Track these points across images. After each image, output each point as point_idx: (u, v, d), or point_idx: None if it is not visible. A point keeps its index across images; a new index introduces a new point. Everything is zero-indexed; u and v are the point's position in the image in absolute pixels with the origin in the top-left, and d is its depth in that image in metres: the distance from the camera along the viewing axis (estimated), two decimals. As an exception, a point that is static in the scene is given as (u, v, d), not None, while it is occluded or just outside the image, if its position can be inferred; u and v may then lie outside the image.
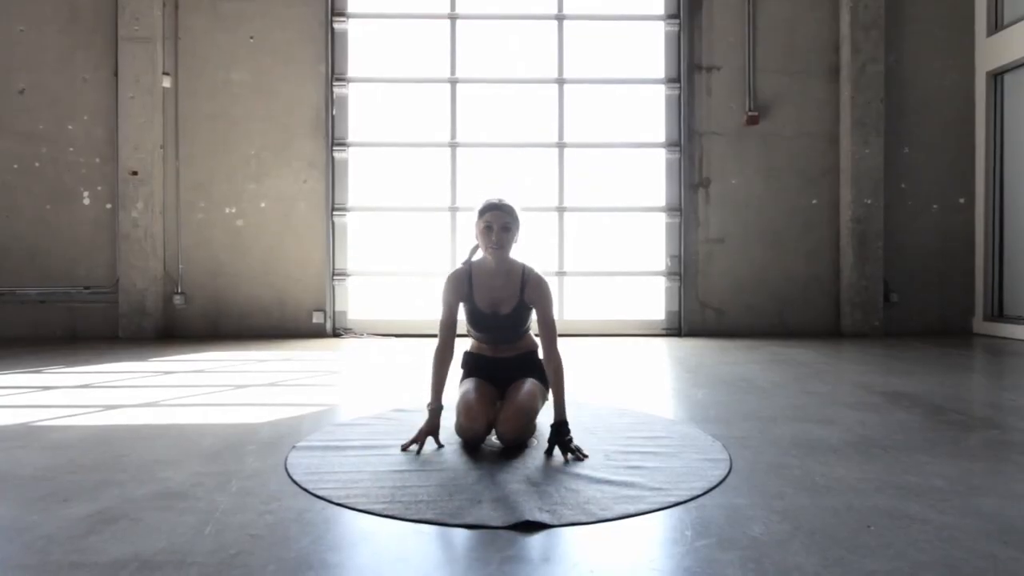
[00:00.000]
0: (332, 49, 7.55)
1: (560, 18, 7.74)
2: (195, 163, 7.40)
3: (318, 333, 7.40)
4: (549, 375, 2.85)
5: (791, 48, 7.55)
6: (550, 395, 3.09)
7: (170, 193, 7.38)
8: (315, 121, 7.44)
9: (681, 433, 3.09)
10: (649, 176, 7.78)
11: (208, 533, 1.97)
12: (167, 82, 7.30)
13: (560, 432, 2.71)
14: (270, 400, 3.96)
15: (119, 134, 7.20)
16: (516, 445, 2.79)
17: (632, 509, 2.15)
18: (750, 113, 7.44)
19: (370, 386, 4.52)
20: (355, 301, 7.71)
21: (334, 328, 7.57)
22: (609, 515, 2.10)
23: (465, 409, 2.82)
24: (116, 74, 7.22)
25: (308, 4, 7.40)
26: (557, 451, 2.71)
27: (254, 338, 7.17)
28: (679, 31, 7.63)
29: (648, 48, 7.80)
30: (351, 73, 7.67)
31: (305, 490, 2.33)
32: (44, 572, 1.74)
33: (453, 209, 7.67)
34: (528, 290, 2.94)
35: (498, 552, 1.85)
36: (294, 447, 2.85)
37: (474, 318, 3.01)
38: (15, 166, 7.29)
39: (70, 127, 7.31)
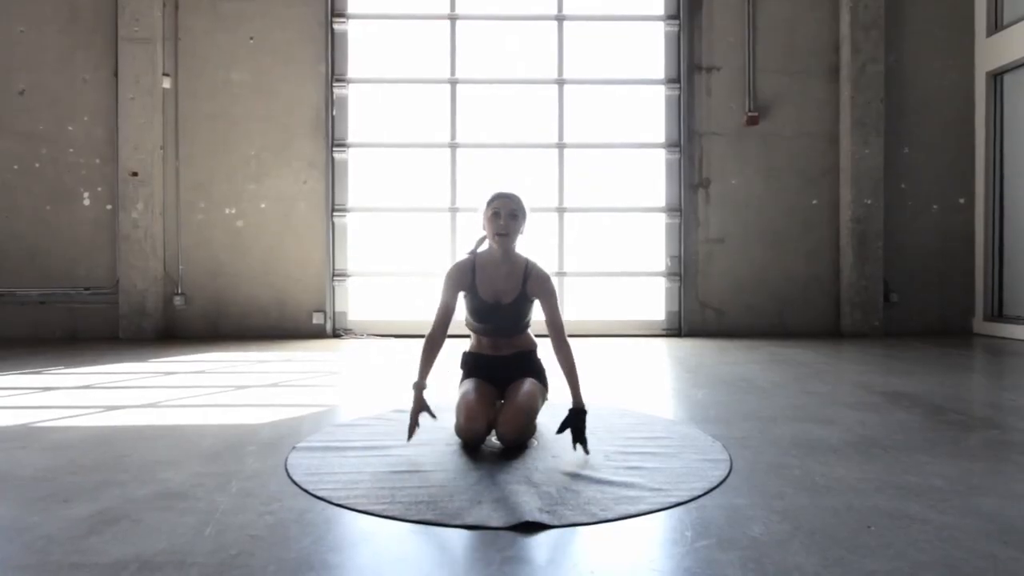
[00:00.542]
0: (332, 50, 7.56)
1: (560, 19, 7.74)
2: (195, 163, 7.40)
3: (318, 334, 7.40)
4: (562, 365, 2.86)
5: (791, 48, 7.55)
6: (549, 395, 3.10)
7: (170, 193, 7.38)
8: (315, 121, 7.44)
9: (681, 433, 3.09)
10: (649, 176, 7.78)
11: (208, 534, 1.97)
12: (167, 83, 7.31)
13: (578, 418, 2.72)
14: (270, 401, 3.96)
15: (119, 135, 7.20)
16: (516, 446, 2.79)
17: (632, 510, 2.15)
18: (750, 113, 7.45)
19: (370, 387, 4.52)
20: (355, 302, 7.71)
21: (334, 329, 7.57)
22: (609, 516, 2.10)
23: (465, 409, 2.83)
24: (116, 75, 7.22)
25: (308, 4, 7.41)
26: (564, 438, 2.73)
27: (254, 339, 7.17)
28: (679, 31, 7.63)
29: (648, 49, 7.80)
30: (351, 74, 7.67)
31: (305, 491, 2.33)
32: (44, 573, 1.74)
33: (453, 210, 7.67)
34: (530, 283, 2.97)
35: (498, 553, 1.85)
36: (294, 448, 2.86)
37: (475, 308, 3.00)
38: (15, 166, 7.30)
39: (70, 128, 7.32)
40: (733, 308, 7.53)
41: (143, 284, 7.15)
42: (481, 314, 3.01)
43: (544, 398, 3.03)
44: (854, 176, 7.35)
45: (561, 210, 7.71)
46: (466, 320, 3.12)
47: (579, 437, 2.70)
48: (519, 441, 2.80)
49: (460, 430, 2.85)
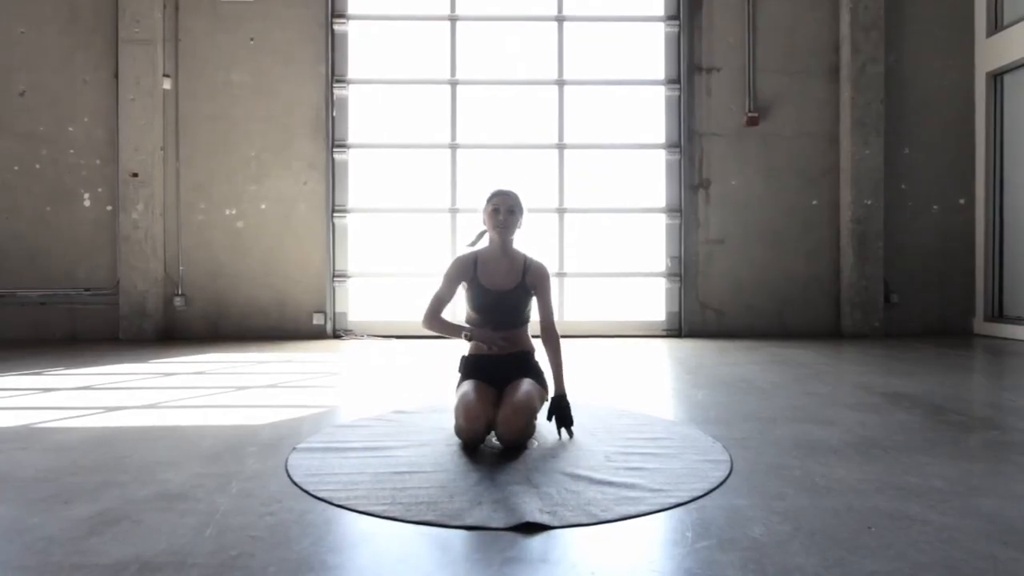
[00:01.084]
0: (332, 50, 7.56)
1: (560, 19, 7.75)
2: (195, 164, 7.40)
3: (318, 334, 7.40)
4: (548, 353, 3.05)
5: (791, 49, 7.55)
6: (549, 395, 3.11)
7: (170, 194, 7.39)
8: (315, 122, 7.45)
9: (681, 434, 3.09)
10: (649, 177, 7.78)
11: (209, 535, 1.97)
12: (167, 84, 7.31)
13: (560, 405, 2.95)
14: (270, 402, 3.96)
15: (119, 135, 7.21)
16: (516, 446, 2.79)
17: (633, 510, 2.15)
18: (750, 114, 7.45)
19: (370, 388, 4.52)
20: (355, 302, 7.71)
21: (334, 329, 7.58)
22: (610, 516, 2.10)
23: (464, 410, 2.83)
24: (116, 76, 7.23)
25: (308, 6, 7.41)
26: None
27: (254, 339, 7.17)
28: (679, 32, 7.63)
29: (648, 49, 7.80)
30: (351, 75, 7.68)
31: (306, 492, 2.33)
32: (45, 573, 1.75)
33: (453, 210, 7.68)
34: (529, 275, 3.12)
35: (499, 553, 1.85)
36: (295, 449, 2.86)
37: (477, 297, 3.10)
38: (15, 167, 7.30)
39: (70, 128, 7.32)
40: (733, 309, 7.53)
41: (143, 285, 7.15)
42: (483, 304, 3.09)
43: (543, 400, 3.05)
44: (854, 176, 7.35)
45: (561, 211, 7.71)
46: (467, 316, 3.19)
47: (563, 423, 2.93)
48: (518, 441, 2.80)
49: (460, 431, 2.85)
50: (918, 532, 1.98)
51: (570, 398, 3.03)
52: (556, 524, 2.03)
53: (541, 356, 3.13)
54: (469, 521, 2.06)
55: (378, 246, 7.76)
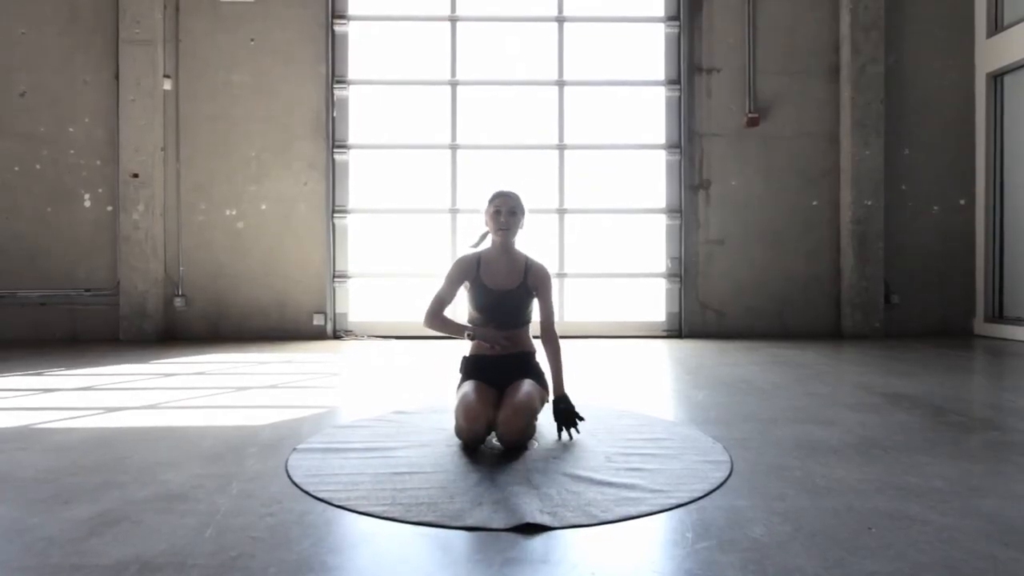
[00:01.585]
0: (332, 51, 7.56)
1: (560, 20, 7.75)
2: (195, 165, 7.41)
3: (319, 335, 7.40)
4: (548, 354, 3.07)
5: (791, 49, 7.56)
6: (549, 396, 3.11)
7: (171, 195, 7.39)
8: (315, 123, 7.45)
9: (682, 435, 3.09)
10: (649, 178, 7.78)
11: (209, 535, 1.97)
12: (168, 84, 7.31)
13: (560, 407, 2.95)
14: (271, 402, 3.96)
15: (120, 136, 7.21)
16: (516, 447, 2.79)
17: (633, 511, 2.15)
18: (750, 114, 7.45)
19: (371, 388, 4.53)
20: (356, 303, 7.71)
21: (335, 330, 7.58)
22: (610, 517, 2.10)
23: (464, 410, 2.83)
24: (117, 76, 7.23)
25: (308, 6, 7.41)
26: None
27: (254, 340, 7.17)
28: (679, 33, 7.64)
29: (648, 50, 7.80)
30: (352, 75, 7.68)
31: (306, 492, 2.33)
32: (45, 574, 1.74)
33: (453, 211, 7.68)
34: (531, 275, 3.14)
35: (499, 554, 1.85)
36: (295, 449, 2.86)
37: (479, 297, 3.11)
38: (16, 168, 7.30)
39: (71, 129, 7.32)
40: (733, 309, 7.53)
41: (144, 285, 7.15)
42: (485, 304, 3.11)
43: (543, 400, 3.05)
44: (854, 177, 7.35)
45: (562, 211, 7.71)
46: (468, 316, 3.20)
47: (567, 423, 2.93)
48: (519, 442, 2.80)
49: (460, 431, 2.85)
50: (918, 532, 1.98)
51: (572, 399, 3.03)
52: (556, 525, 2.03)
53: (542, 357, 3.13)
54: (469, 522, 2.06)
55: (378, 247, 7.76)
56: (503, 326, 3.11)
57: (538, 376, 3.11)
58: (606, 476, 2.47)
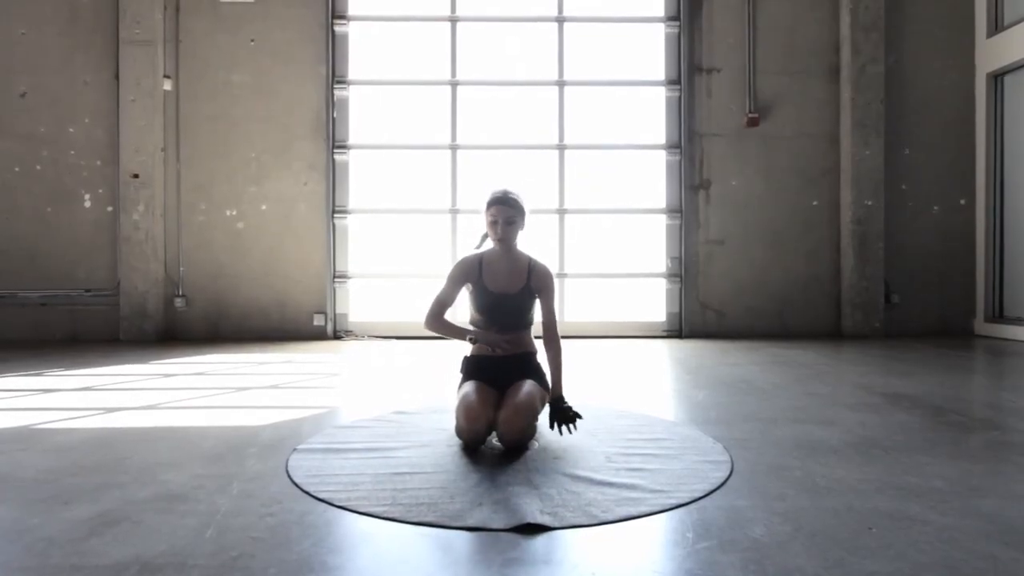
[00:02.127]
0: (333, 51, 7.56)
1: (560, 20, 7.75)
2: (196, 165, 7.41)
3: (319, 335, 7.40)
4: (549, 356, 3.02)
5: (791, 49, 7.56)
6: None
7: (171, 195, 7.39)
8: (316, 123, 7.45)
9: (682, 435, 3.09)
10: (649, 178, 7.78)
11: (209, 536, 1.97)
12: (168, 84, 7.32)
13: (558, 407, 2.90)
14: (271, 402, 3.96)
15: (120, 136, 7.21)
16: (517, 447, 2.79)
17: (633, 511, 2.15)
18: (750, 114, 7.45)
19: (371, 388, 4.52)
20: (356, 303, 7.71)
21: (335, 330, 7.58)
22: (610, 517, 2.10)
23: (465, 410, 2.83)
24: (117, 77, 7.23)
25: (308, 6, 7.41)
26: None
27: (255, 340, 7.17)
28: (679, 33, 7.64)
29: (648, 50, 7.80)
30: (352, 75, 7.68)
31: (306, 492, 2.34)
32: (45, 574, 1.75)
33: (454, 211, 7.68)
34: (534, 278, 3.10)
35: (499, 554, 1.85)
36: (295, 449, 2.86)
37: (481, 299, 3.09)
38: (16, 168, 7.31)
39: (71, 129, 7.32)
40: (734, 309, 7.53)
41: (144, 286, 7.15)
42: (487, 306, 3.09)
43: (544, 401, 3.04)
44: (854, 177, 7.36)
45: (562, 211, 7.71)
46: (471, 317, 3.18)
47: (560, 420, 2.87)
48: (519, 442, 2.80)
49: (461, 431, 2.85)
50: (918, 532, 1.98)
51: (571, 399, 3.02)
52: (557, 525, 2.03)
53: (543, 357, 3.13)
54: (470, 522, 2.06)
55: (378, 247, 7.76)
56: (505, 328, 3.09)
57: (539, 376, 3.09)
58: (606, 476, 2.47)
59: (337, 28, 7.61)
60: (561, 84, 7.74)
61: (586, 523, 2.06)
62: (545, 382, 3.10)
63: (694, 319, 7.54)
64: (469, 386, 2.99)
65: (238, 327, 7.39)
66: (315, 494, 2.31)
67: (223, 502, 2.24)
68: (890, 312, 7.45)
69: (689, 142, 7.56)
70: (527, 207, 3.13)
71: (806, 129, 7.56)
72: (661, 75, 7.75)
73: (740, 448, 2.88)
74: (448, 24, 7.73)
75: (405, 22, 7.78)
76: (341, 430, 3.21)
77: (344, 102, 7.66)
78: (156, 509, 2.19)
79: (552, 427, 2.90)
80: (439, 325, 3.13)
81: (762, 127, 7.51)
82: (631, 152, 7.81)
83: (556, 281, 7.41)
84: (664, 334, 7.65)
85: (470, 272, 3.12)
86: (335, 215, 7.61)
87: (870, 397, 4.01)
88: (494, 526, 2.03)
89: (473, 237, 3.27)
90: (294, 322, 7.42)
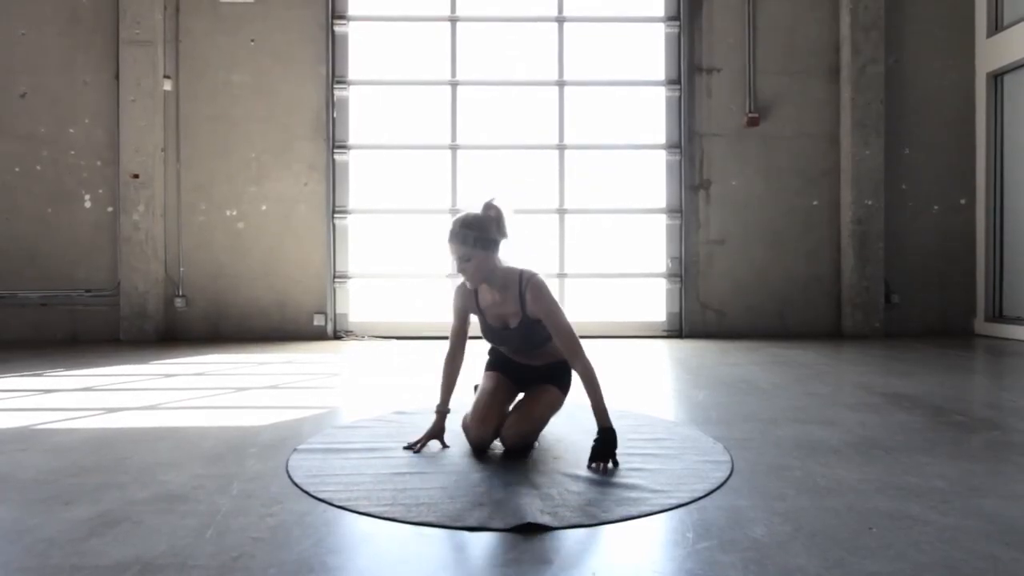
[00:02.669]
0: (333, 51, 7.56)
1: (560, 20, 7.75)
2: (196, 165, 7.41)
3: (319, 335, 7.40)
4: (584, 385, 2.65)
5: (791, 49, 7.56)
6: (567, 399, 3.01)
7: (171, 195, 7.39)
8: (316, 123, 7.45)
9: (682, 435, 3.09)
10: (649, 178, 7.78)
11: (209, 536, 1.97)
12: (168, 85, 7.32)
13: (605, 441, 2.56)
14: (271, 403, 3.96)
15: (120, 137, 7.21)
16: (516, 450, 2.78)
17: (634, 511, 2.15)
18: (750, 114, 7.45)
19: (371, 388, 4.52)
20: (356, 303, 7.71)
21: (335, 330, 7.58)
22: (611, 517, 2.10)
23: (474, 410, 2.81)
24: (117, 77, 7.23)
25: (309, 6, 7.41)
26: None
27: (255, 340, 7.17)
28: (679, 33, 7.64)
29: (648, 50, 7.80)
30: (352, 75, 7.68)
31: (306, 493, 2.33)
32: (45, 575, 1.74)
33: (454, 211, 7.67)
34: (528, 303, 2.72)
35: (500, 555, 1.85)
36: (295, 450, 2.86)
37: (486, 332, 2.92)
38: (16, 168, 7.31)
39: (71, 130, 7.32)
40: (734, 309, 7.53)
41: (144, 286, 7.16)
42: (494, 337, 2.92)
43: (559, 406, 2.93)
44: (855, 177, 7.35)
45: (562, 211, 7.71)
46: (490, 345, 3.07)
47: (600, 457, 2.54)
48: (518, 447, 2.79)
49: (468, 430, 2.81)
50: (919, 532, 1.98)
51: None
52: (557, 525, 2.03)
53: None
54: (470, 522, 2.06)
55: (379, 247, 7.76)
56: (520, 354, 2.93)
57: (564, 380, 2.92)
58: (606, 476, 2.47)
59: (337, 28, 7.61)
60: (561, 84, 7.74)
61: (586, 523, 2.06)
62: (568, 385, 2.94)
63: (694, 319, 7.54)
64: (488, 382, 2.92)
65: (238, 327, 7.39)
66: (315, 494, 2.31)
67: (223, 502, 2.24)
68: (890, 312, 7.44)
69: (689, 142, 7.56)
70: (485, 230, 2.65)
71: (806, 129, 7.56)
72: (661, 75, 7.75)
73: (740, 448, 2.88)
74: (448, 24, 7.73)
75: (405, 22, 7.78)
76: (341, 430, 3.21)
77: (344, 102, 7.66)
78: (156, 509, 2.19)
79: (591, 465, 2.55)
80: (446, 368, 2.88)
81: (762, 127, 7.51)
82: (631, 152, 7.81)
83: (556, 281, 7.51)
84: (664, 334, 7.65)
85: (468, 302, 2.87)
86: (335, 215, 7.61)
87: (870, 397, 4.01)
88: (494, 526, 2.03)
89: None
90: (294, 322, 7.42)
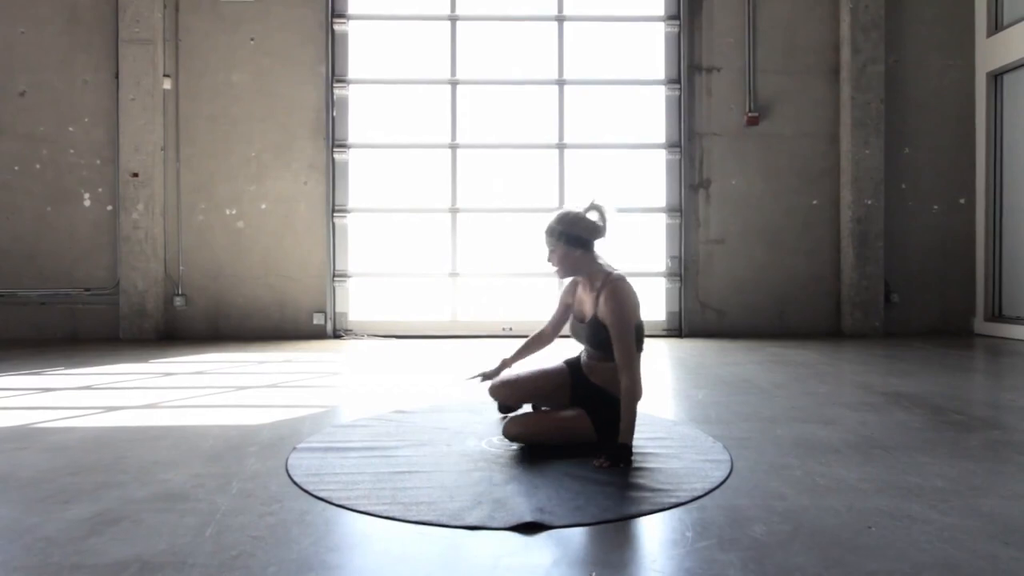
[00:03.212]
0: (332, 51, 7.56)
1: (560, 19, 7.74)
2: (196, 165, 7.41)
3: (318, 334, 7.40)
4: (622, 397, 2.61)
5: (791, 48, 7.55)
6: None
7: (171, 195, 7.39)
8: (315, 122, 7.45)
9: (682, 434, 3.09)
10: (649, 177, 7.78)
11: (209, 535, 1.97)
12: (167, 84, 7.31)
13: (617, 455, 2.55)
14: (271, 402, 3.96)
15: (120, 136, 7.21)
16: (509, 437, 2.80)
17: (633, 510, 2.15)
18: (750, 114, 7.45)
19: (371, 387, 4.52)
20: (356, 302, 7.71)
21: (335, 329, 7.57)
22: (610, 516, 2.10)
23: (518, 374, 2.97)
24: (117, 76, 7.23)
25: (308, 5, 7.41)
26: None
27: (254, 339, 7.17)
28: (679, 32, 7.63)
29: (648, 49, 7.80)
30: (351, 75, 7.67)
31: (306, 491, 2.33)
32: (45, 574, 1.74)
33: (453, 210, 7.67)
34: (600, 304, 2.72)
35: (499, 553, 1.85)
36: (295, 448, 2.86)
37: (571, 324, 3.00)
38: (16, 168, 7.30)
39: (71, 129, 7.32)
40: (733, 308, 7.53)
41: (144, 285, 7.15)
42: (572, 328, 2.97)
43: (578, 438, 2.74)
44: (854, 176, 7.35)
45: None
46: None
47: (605, 461, 2.55)
48: (515, 441, 2.80)
49: (494, 383, 2.99)
50: (919, 532, 1.98)
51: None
52: (556, 523, 2.03)
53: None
54: (469, 521, 2.06)
55: (378, 246, 7.76)
56: (588, 356, 2.88)
57: (600, 418, 2.73)
58: (606, 475, 2.47)
59: (337, 27, 7.61)
60: (561, 83, 7.74)
61: (585, 521, 2.06)
62: (601, 426, 2.74)
63: (694, 318, 7.54)
64: (552, 364, 3.03)
65: (238, 326, 7.39)
66: (315, 493, 2.31)
67: (223, 501, 2.24)
68: (890, 311, 7.45)
69: (689, 141, 7.56)
70: (579, 223, 2.79)
71: (806, 128, 7.56)
72: (661, 74, 7.74)
73: (740, 447, 2.88)
74: (448, 23, 7.72)
75: (405, 21, 7.77)
76: (341, 429, 3.21)
77: (344, 101, 7.66)
78: (156, 508, 2.19)
79: (595, 462, 2.56)
80: (532, 338, 3.16)
81: (762, 126, 7.51)
82: (631, 151, 7.81)
83: (555, 280, 7.49)
84: (664, 333, 7.65)
85: (567, 294, 3.04)
86: (335, 214, 7.60)
87: (870, 396, 4.01)
88: (494, 525, 2.03)
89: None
90: (294, 321, 7.41)
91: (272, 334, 7.36)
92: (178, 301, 7.35)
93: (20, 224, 7.30)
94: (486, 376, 3.11)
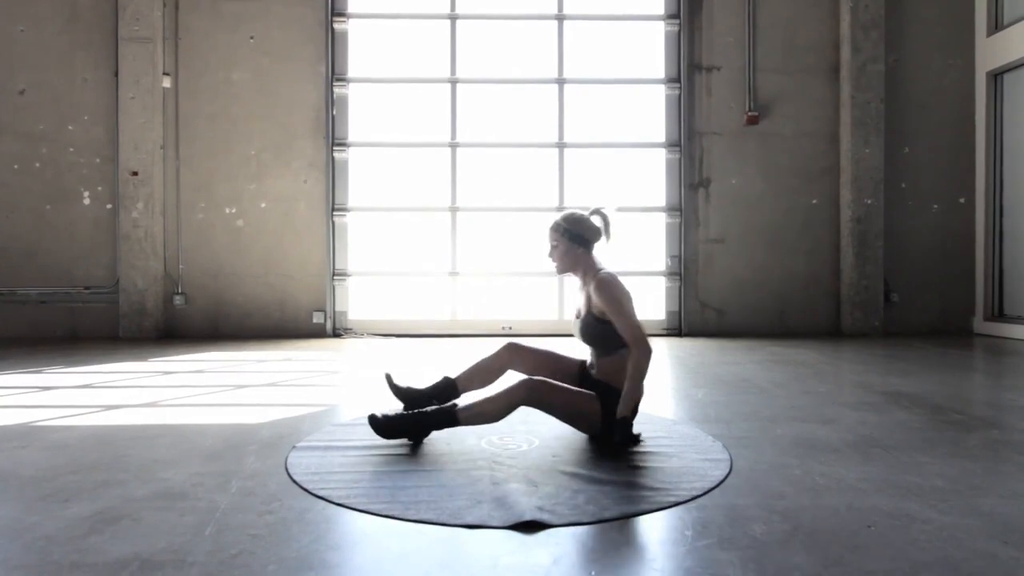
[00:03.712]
0: (332, 49, 7.56)
1: (560, 18, 7.74)
2: (195, 163, 7.40)
3: (318, 333, 7.40)
4: (629, 367, 2.71)
5: (791, 48, 7.55)
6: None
7: (170, 193, 7.39)
8: (315, 121, 7.44)
9: (681, 433, 3.09)
10: (649, 176, 7.78)
11: (209, 533, 1.97)
12: (167, 82, 7.31)
13: (617, 429, 2.65)
14: (270, 400, 3.96)
15: (119, 134, 7.20)
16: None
17: (632, 509, 2.15)
18: (750, 113, 7.45)
19: (370, 386, 4.52)
20: (355, 301, 7.71)
21: (334, 328, 7.57)
22: (609, 515, 2.10)
23: (536, 348, 3.07)
24: (116, 74, 7.23)
25: (308, 4, 7.41)
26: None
27: (254, 338, 7.17)
28: (679, 31, 7.63)
29: (648, 48, 7.80)
30: (351, 73, 7.67)
31: (305, 490, 2.33)
32: (44, 572, 1.74)
33: (453, 209, 7.67)
34: (592, 296, 2.87)
35: (498, 552, 1.85)
36: (294, 447, 2.86)
37: (572, 322, 3.10)
38: (15, 166, 7.30)
39: (70, 127, 7.32)
40: (733, 308, 7.53)
41: (143, 284, 7.15)
42: (574, 324, 3.06)
43: (573, 410, 2.77)
44: (854, 175, 7.35)
45: (561, 209, 7.71)
46: None
47: (612, 441, 2.67)
48: (528, 389, 2.71)
49: (511, 342, 3.10)
50: (918, 531, 1.98)
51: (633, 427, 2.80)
52: (556, 522, 2.03)
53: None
54: (469, 520, 2.06)
55: (378, 245, 7.76)
56: (590, 355, 3.00)
57: (609, 411, 2.75)
58: (605, 474, 2.47)
59: (336, 26, 7.60)
60: (561, 82, 7.74)
61: (585, 520, 2.06)
62: (605, 412, 2.77)
63: (694, 317, 7.54)
64: (571, 355, 3.08)
65: (237, 325, 7.39)
66: (314, 491, 2.31)
67: (222, 500, 2.24)
68: (890, 310, 7.45)
69: (689, 140, 7.55)
70: (583, 223, 2.94)
71: (806, 127, 7.56)
72: (661, 73, 7.74)
73: (739, 446, 2.88)
74: (448, 22, 7.72)
75: (405, 19, 7.77)
76: (340, 428, 3.21)
77: (344, 100, 7.66)
78: (155, 507, 2.19)
79: (604, 443, 2.70)
80: None
81: (762, 125, 7.51)
82: (631, 150, 7.81)
83: (555, 280, 7.49)
84: (664, 332, 7.65)
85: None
86: (335, 213, 7.60)
87: (870, 396, 4.01)
88: (493, 524, 2.03)
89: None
90: (293, 320, 7.41)
91: (272, 333, 7.36)
92: (178, 300, 7.35)
93: (20, 222, 7.30)
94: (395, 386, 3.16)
